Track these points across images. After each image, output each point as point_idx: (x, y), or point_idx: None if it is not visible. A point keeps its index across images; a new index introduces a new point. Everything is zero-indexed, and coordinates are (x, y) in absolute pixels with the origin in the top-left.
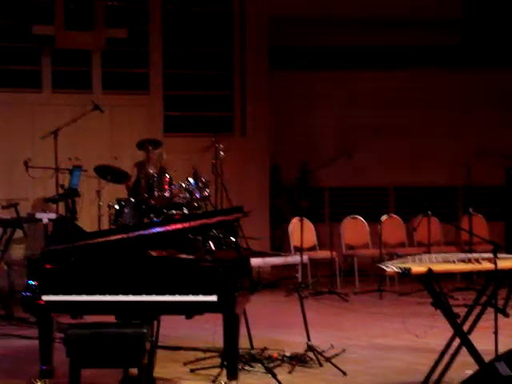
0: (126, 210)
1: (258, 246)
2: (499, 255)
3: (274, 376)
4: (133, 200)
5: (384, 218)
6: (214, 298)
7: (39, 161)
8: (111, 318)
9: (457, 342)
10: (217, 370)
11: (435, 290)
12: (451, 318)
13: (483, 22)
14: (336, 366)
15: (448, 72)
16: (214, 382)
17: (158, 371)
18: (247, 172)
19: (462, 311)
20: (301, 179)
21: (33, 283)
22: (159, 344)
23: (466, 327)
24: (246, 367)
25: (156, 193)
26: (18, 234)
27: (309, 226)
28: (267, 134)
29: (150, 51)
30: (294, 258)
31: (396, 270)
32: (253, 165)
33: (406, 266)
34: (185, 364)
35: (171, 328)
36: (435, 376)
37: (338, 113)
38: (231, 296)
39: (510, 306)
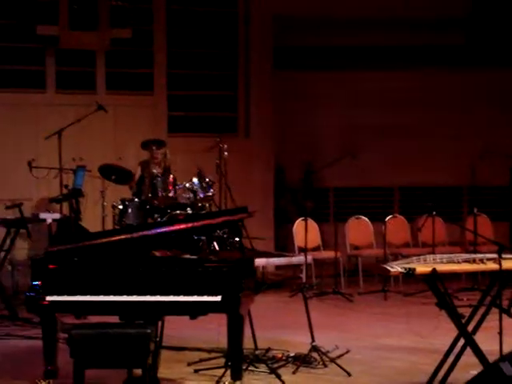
0: (130, 210)
1: (263, 246)
2: (504, 255)
3: (278, 376)
4: (137, 200)
5: (388, 218)
6: (218, 298)
7: (43, 161)
8: (115, 319)
9: (461, 342)
10: (221, 371)
11: (440, 290)
12: (456, 318)
13: (488, 22)
14: (340, 367)
15: (452, 72)
16: (218, 382)
17: (162, 372)
18: (251, 172)
19: (466, 312)
20: (305, 179)
21: (37, 283)
22: (163, 344)
23: (470, 327)
24: (250, 368)
25: (160, 193)
26: (22, 234)
27: (313, 226)
28: (271, 134)
29: (154, 51)
30: (299, 259)
31: (400, 270)
32: (257, 165)
33: (411, 266)
34: (189, 364)
35: (175, 328)
36: (440, 376)
37: (342, 113)
38: (235, 296)
39: None
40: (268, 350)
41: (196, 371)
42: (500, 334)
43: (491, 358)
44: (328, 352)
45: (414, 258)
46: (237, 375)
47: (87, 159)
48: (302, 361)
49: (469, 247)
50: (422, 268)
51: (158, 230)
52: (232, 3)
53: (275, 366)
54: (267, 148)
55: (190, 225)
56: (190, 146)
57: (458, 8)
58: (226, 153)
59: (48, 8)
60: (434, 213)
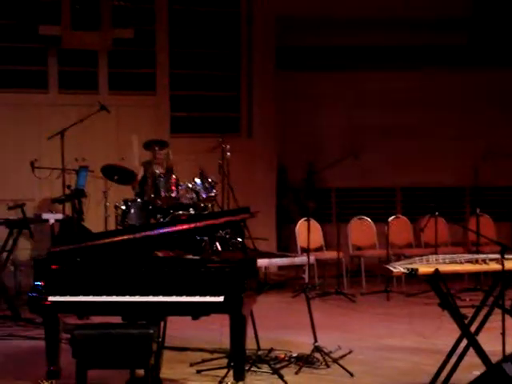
0: (132, 211)
1: (265, 246)
2: (506, 256)
3: (281, 377)
4: (139, 200)
5: (391, 218)
6: (220, 298)
7: (46, 161)
8: (118, 319)
9: (464, 342)
10: (223, 371)
11: (442, 290)
12: (458, 318)
13: (488, 22)
14: (343, 367)
15: (452, 72)
16: (220, 382)
17: (165, 372)
18: (254, 172)
19: (469, 312)
20: (307, 180)
21: (39, 284)
22: (166, 345)
23: (473, 328)
24: (253, 368)
25: (163, 193)
26: (25, 234)
27: (316, 226)
28: (274, 134)
29: (156, 51)
30: (301, 259)
31: (403, 270)
32: (259, 165)
33: (413, 266)
34: (191, 365)
35: (178, 329)
36: (442, 377)
37: (345, 113)
38: (238, 297)
39: None
40: (270, 350)
41: (198, 372)
42: (503, 334)
43: (494, 359)
44: (330, 352)
45: (417, 258)
46: (239, 376)
47: (90, 159)
48: (304, 361)
49: (471, 248)
50: (424, 268)
51: (161, 231)
52: (234, 3)
53: (278, 366)
54: (270, 148)
55: (192, 225)
56: (192, 146)
57: (458, 8)
58: (228, 153)
59: (50, 8)
60: (437, 213)
